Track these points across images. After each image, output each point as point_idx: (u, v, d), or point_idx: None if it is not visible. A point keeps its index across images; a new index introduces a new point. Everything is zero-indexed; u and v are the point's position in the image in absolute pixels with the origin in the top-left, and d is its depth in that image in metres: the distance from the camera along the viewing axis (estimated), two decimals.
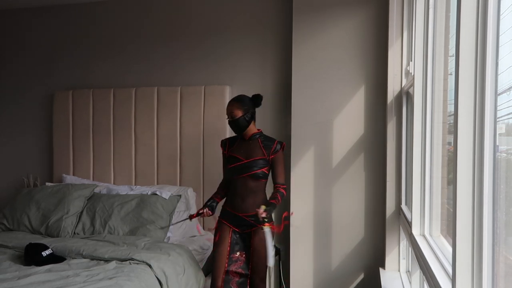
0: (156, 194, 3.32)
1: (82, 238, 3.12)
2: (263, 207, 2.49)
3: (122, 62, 3.86)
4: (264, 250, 2.57)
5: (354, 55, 3.16)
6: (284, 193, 2.69)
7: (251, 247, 2.67)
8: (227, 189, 2.79)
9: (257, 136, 2.73)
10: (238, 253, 2.68)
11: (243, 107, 2.68)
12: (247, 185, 2.66)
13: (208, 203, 2.74)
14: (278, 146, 2.69)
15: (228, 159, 2.75)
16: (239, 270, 2.67)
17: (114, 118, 3.77)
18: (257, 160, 2.66)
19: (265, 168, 2.67)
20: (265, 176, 2.69)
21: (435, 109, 2.07)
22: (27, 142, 4.10)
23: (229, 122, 2.70)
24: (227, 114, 2.71)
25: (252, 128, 2.72)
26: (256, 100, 2.75)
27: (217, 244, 2.71)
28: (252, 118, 2.71)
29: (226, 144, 2.80)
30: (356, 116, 3.17)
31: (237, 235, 2.69)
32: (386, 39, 2.98)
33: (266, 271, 2.74)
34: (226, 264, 2.66)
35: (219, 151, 3.46)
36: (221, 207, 3.47)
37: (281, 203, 2.67)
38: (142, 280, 2.39)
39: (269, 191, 2.77)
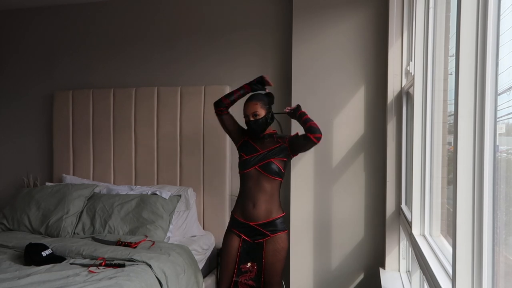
0: (156, 194, 3.32)
1: (82, 238, 3.12)
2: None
3: (122, 62, 3.86)
4: (275, 263, 2.48)
5: (354, 55, 3.16)
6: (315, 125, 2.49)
7: (263, 259, 2.50)
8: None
9: (273, 134, 2.60)
10: (249, 264, 2.51)
11: (266, 106, 2.54)
12: (260, 185, 2.49)
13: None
14: (290, 135, 2.62)
15: (242, 146, 2.58)
16: (250, 282, 2.52)
17: (114, 118, 3.77)
18: (273, 148, 2.52)
19: (281, 161, 2.51)
20: (280, 174, 2.51)
21: (435, 109, 2.07)
22: (27, 142, 4.10)
23: (250, 122, 2.52)
24: (248, 114, 2.52)
25: (268, 129, 2.60)
26: (271, 99, 2.63)
27: (223, 253, 2.58)
28: (273, 119, 2.59)
29: (244, 131, 2.64)
30: (356, 116, 3.17)
31: (248, 245, 2.52)
32: (386, 39, 2.98)
33: (279, 282, 2.54)
34: (235, 275, 2.52)
35: (219, 151, 3.48)
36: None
37: (310, 122, 2.48)
38: (142, 280, 2.38)
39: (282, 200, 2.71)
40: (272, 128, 2.64)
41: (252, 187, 2.52)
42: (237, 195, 2.69)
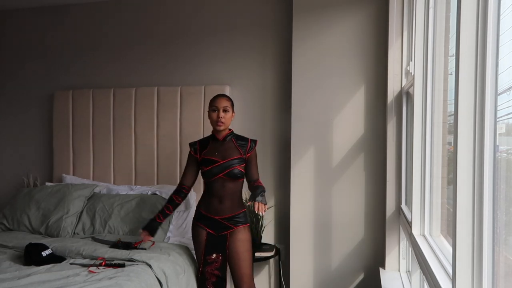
0: (156, 194, 3.32)
1: (82, 238, 3.12)
2: (259, 205, 2.40)
3: (122, 62, 3.86)
4: (243, 253, 2.62)
5: (354, 55, 3.16)
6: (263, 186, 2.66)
7: (227, 250, 2.64)
8: (180, 197, 2.75)
9: (230, 136, 2.71)
10: (214, 255, 2.64)
11: (232, 106, 2.71)
12: (225, 186, 2.64)
13: (149, 224, 2.72)
14: (253, 144, 2.70)
15: (201, 163, 2.69)
16: (215, 272, 2.64)
17: (114, 118, 3.77)
18: (233, 159, 2.64)
19: (241, 167, 2.66)
20: (242, 175, 2.68)
21: (435, 109, 2.07)
22: (27, 142, 4.10)
23: (218, 123, 2.64)
24: (218, 107, 2.63)
25: (227, 129, 2.72)
26: None
27: (195, 246, 2.73)
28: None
29: (197, 147, 2.73)
30: (356, 116, 3.17)
31: (213, 237, 2.66)
32: (386, 39, 2.98)
33: (250, 274, 2.67)
34: (201, 265, 2.65)
35: None
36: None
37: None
38: (142, 280, 2.39)
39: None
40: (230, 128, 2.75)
41: (218, 187, 2.65)
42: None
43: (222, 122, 2.63)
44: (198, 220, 2.73)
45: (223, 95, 2.74)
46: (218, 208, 2.66)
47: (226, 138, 2.69)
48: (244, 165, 2.67)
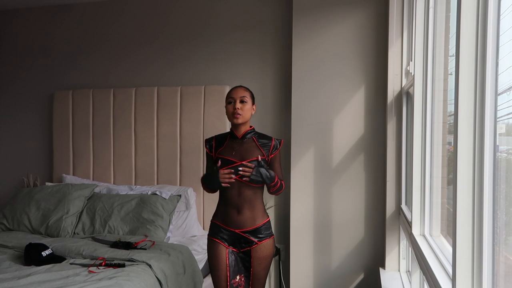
0: (156, 194, 3.32)
1: (82, 238, 3.12)
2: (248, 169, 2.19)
3: (122, 62, 3.86)
4: (260, 272, 2.32)
5: (354, 55, 3.16)
6: (284, 185, 2.36)
7: (251, 269, 2.31)
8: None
9: (251, 134, 2.34)
10: (238, 277, 2.30)
11: (252, 98, 2.35)
12: (242, 193, 2.27)
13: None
14: (277, 144, 2.34)
15: (215, 162, 2.30)
16: None
17: (114, 118, 3.77)
18: (253, 160, 2.27)
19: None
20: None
21: (435, 109, 2.07)
22: (27, 142, 4.10)
23: (235, 115, 2.27)
24: (235, 97, 2.28)
25: (247, 125, 2.35)
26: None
27: (214, 267, 2.32)
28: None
29: (213, 143, 2.37)
30: (356, 116, 3.17)
31: (235, 255, 2.31)
32: (386, 39, 2.98)
33: None
34: None
35: None
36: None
37: (277, 188, 2.31)
38: (142, 280, 2.38)
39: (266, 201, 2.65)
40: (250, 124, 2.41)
41: (235, 195, 2.29)
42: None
43: (239, 114, 2.25)
44: (215, 235, 2.33)
45: (240, 86, 2.37)
46: (237, 220, 2.28)
47: (246, 136, 2.32)
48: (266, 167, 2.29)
